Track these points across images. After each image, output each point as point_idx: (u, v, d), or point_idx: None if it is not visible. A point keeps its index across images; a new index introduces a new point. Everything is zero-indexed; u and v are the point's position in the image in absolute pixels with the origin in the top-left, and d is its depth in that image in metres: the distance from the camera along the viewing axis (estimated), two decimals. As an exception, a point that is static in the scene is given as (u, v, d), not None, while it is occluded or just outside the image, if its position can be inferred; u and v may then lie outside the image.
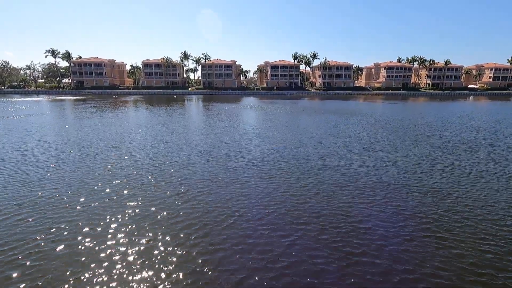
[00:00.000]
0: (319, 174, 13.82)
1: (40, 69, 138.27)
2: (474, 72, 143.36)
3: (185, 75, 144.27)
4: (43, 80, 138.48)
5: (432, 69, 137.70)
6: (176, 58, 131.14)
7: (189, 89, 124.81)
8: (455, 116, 39.96)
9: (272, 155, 17.54)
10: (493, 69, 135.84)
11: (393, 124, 32.16)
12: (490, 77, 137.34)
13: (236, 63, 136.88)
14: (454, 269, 6.96)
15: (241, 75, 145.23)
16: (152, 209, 9.94)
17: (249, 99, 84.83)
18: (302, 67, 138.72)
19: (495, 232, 8.64)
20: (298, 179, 13.08)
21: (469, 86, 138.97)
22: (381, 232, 8.58)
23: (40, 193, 11.11)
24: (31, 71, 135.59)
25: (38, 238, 8.09)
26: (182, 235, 8.30)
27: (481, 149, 19.50)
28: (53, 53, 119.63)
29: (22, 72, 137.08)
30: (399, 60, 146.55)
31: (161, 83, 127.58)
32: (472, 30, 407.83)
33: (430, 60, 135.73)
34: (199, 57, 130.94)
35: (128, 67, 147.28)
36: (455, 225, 9.02)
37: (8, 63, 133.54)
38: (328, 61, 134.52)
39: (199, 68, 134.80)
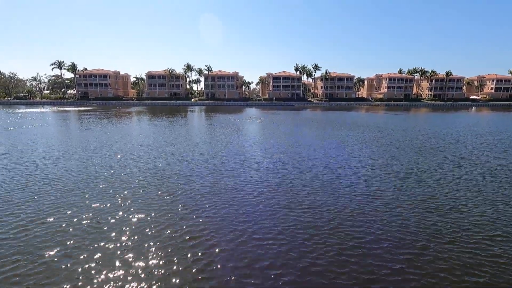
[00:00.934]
0: (323, 186, 13.78)
1: (46, 80, 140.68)
2: (475, 83, 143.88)
3: (188, 86, 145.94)
4: (48, 91, 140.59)
5: (434, 80, 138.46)
6: (179, 69, 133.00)
7: (192, 100, 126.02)
8: (459, 127, 39.91)
9: (278, 166, 17.54)
10: (495, 80, 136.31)
11: (398, 135, 32.14)
12: (492, 88, 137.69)
13: (239, 74, 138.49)
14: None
15: (244, 86, 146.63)
16: (156, 220, 9.92)
17: (251, 110, 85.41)
18: (304, 78, 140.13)
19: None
20: (302, 191, 13.04)
21: (471, 97, 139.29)
22: (387, 247, 8.49)
23: (42, 203, 11.15)
24: (37, 82, 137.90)
25: (42, 251, 8.08)
26: (185, 248, 8.26)
27: (487, 160, 19.39)
28: (59, 65, 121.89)
29: (28, 83, 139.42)
30: (400, 71, 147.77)
31: (164, 94, 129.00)
32: (473, 42, 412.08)
33: (431, 71, 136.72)
34: (202, 69, 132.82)
35: (132, 79, 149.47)
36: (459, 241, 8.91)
37: (16, 75, 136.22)
38: (329, 73, 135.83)
39: (202, 79, 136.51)
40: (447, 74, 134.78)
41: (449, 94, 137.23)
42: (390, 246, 8.51)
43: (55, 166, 17.02)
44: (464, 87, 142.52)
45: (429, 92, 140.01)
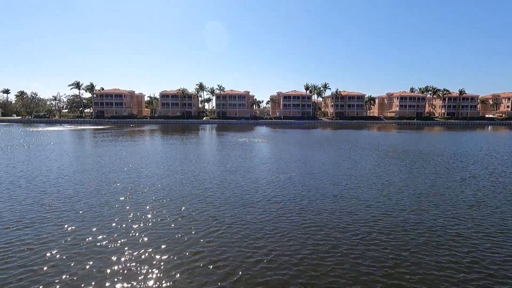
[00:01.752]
0: (333, 207, 13.50)
1: (65, 100, 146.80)
2: (490, 102, 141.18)
3: (200, 105, 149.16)
4: (66, 110, 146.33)
5: (447, 99, 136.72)
6: (191, 88, 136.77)
7: (204, 118, 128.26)
8: (479, 147, 38.81)
9: (290, 188, 17.39)
10: (511, 99, 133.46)
11: (416, 154, 31.48)
12: (508, 106, 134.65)
13: (249, 93, 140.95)
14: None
15: (254, 105, 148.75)
16: (167, 241, 9.89)
17: (262, 128, 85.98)
18: (314, 97, 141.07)
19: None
20: (312, 212, 12.81)
21: (486, 115, 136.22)
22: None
23: (56, 221, 11.33)
24: (57, 101, 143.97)
25: (55, 270, 8.14)
26: (197, 271, 8.15)
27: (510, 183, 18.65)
28: (78, 86, 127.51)
29: (48, 102, 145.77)
30: (412, 90, 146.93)
31: (177, 113, 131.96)
32: (487, 59, 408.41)
33: (444, 90, 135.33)
34: (214, 88, 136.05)
35: (146, 98, 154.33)
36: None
37: (37, 95, 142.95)
38: (340, 92, 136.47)
39: (214, 98, 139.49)
40: (460, 92, 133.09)
41: (463, 112, 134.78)
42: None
43: (70, 183, 17.41)
44: (478, 106, 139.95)
45: (442, 111, 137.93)
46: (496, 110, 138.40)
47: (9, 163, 23.96)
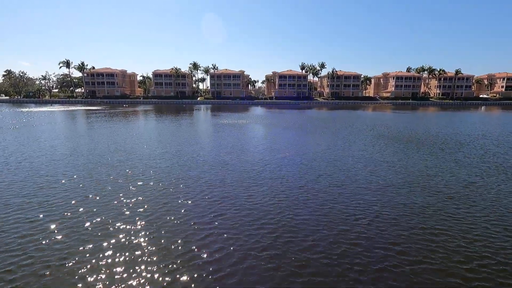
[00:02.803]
0: (329, 183, 13.65)
1: (54, 79, 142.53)
2: (485, 82, 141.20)
3: (194, 85, 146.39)
4: (57, 90, 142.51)
5: (442, 79, 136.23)
6: (185, 68, 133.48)
7: (198, 98, 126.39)
8: (476, 127, 39.20)
9: (293, 172, 17.45)
10: (505, 79, 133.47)
11: (415, 135, 31.70)
12: (502, 86, 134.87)
13: (244, 73, 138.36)
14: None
15: (249, 85, 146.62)
16: (159, 222, 9.95)
17: (257, 109, 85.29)
18: (310, 77, 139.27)
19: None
20: (310, 194, 12.95)
21: (481, 95, 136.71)
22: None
23: (50, 201, 11.28)
24: (46, 81, 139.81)
25: (48, 251, 8.16)
26: (190, 247, 8.26)
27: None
28: (67, 64, 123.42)
29: (37, 82, 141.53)
30: (408, 69, 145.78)
31: (170, 93, 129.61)
32: (484, 39, 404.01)
33: (440, 69, 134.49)
34: (208, 67, 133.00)
35: (139, 78, 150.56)
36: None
37: (25, 74, 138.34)
38: (336, 71, 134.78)
39: (208, 78, 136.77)
40: (456, 72, 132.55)
41: (458, 92, 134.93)
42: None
43: (62, 165, 17.21)
44: (473, 86, 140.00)
45: (438, 91, 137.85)
46: (491, 90, 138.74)
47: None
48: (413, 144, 25.71)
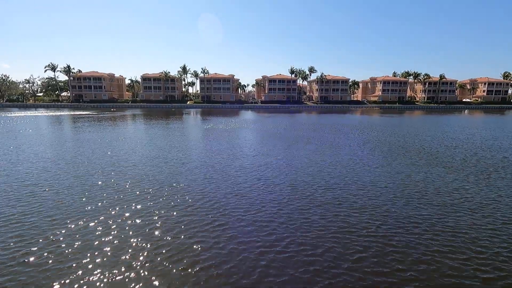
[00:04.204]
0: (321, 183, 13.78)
1: (39, 82, 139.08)
2: (468, 86, 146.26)
3: (183, 89, 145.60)
4: (41, 94, 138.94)
5: (427, 83, 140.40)
6: (175, 72, 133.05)
7: (188, 102, 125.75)
8: (459, 131, 40.40)
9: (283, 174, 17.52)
10: (487, 83, 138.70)
11: (398, 139, 32.38)
12: (483, 91, 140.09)
13: (234, 77, 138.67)
14: None
15: (239, 89, 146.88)
16: (149, 226, 9.81)
17: (247, 113, 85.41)
18: (299, 81, 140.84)
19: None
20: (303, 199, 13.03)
21: (464, 100, 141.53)
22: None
23: (37, 208, 10.95)
24: (30, 84, 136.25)
25: (34, 255, 7.93)
26: (182, 252, 8.17)
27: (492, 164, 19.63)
28: (53, 68, 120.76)
29: (21, 85, 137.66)
30: (394, 74, 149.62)
31: (159, 97, 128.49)
32: (466, 45, 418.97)
33: (425, 74, 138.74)
34: (197, 72, 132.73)
35: (127, 81, 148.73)
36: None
37: (8, 77, 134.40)
38: (325, 76, 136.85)
39: (198, 82, 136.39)
40: (441, 77, 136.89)
41: (442, 97, 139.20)
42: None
43: (47, 173, 16.76)
44: (457, 90, 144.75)
45: (423, 95, 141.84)
46: (473, 94, 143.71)
47: (-18, 152, 22.67)
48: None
